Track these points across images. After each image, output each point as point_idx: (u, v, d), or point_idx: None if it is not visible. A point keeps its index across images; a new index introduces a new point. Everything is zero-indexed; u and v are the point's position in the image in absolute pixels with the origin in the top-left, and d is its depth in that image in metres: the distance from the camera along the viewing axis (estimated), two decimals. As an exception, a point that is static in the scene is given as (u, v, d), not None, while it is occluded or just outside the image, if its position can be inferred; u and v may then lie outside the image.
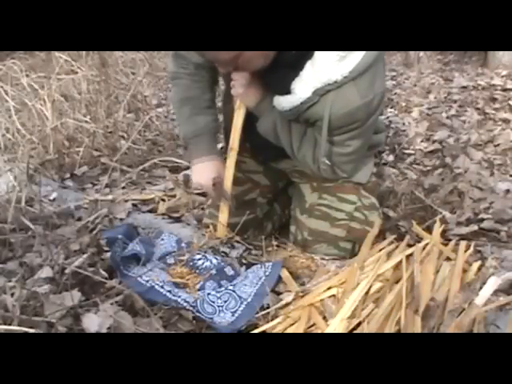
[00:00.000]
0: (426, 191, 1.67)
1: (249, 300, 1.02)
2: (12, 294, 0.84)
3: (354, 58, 0.98)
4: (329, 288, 1.01)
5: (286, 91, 1.06)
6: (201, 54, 1.02)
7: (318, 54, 0.99)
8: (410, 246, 1.11)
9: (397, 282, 0.98)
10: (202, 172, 1.30)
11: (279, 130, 1.18)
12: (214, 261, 1.14)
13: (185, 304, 0.98)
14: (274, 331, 0.93)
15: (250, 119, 1.20)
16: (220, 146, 1.46)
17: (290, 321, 0.95)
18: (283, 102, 1.08)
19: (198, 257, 1.16)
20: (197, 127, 1.29)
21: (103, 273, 1.03)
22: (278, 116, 1.15)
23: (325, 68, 0.98)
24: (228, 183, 1.26)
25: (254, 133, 1.21)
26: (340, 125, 1.06)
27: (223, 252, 1.19)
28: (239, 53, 0.94)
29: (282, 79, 1.05)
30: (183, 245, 1.22)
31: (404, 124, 2.51)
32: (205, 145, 1.31)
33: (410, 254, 1.05)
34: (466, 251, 1.07)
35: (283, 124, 1.16)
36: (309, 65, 1.01)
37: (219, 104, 1.41)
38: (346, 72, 0.98)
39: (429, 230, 1.20)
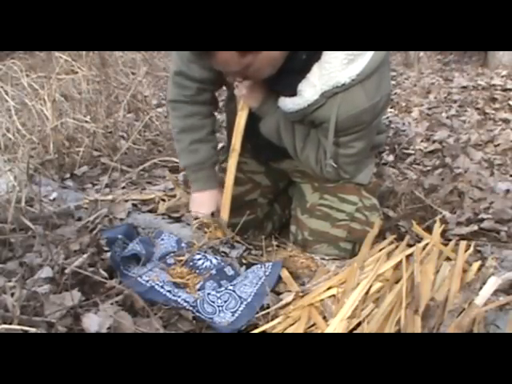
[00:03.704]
0: (426, 191, 1.67)
1: (249, 300, 1.02)
2: (12, 294, 0.84)
3: (362, 61, 0.98)
4: (329, 288, 1.01)
5: (292, 93, 1.06)
6: (209, 64, 1.02)
7: (325, 57, 0.99)
8: (409, 246, 1.11)
9: (397, 282, 0.98)
10: (201, 204, 1.31)
11: (282, 131, 1.18)
12: (214, 261, 1.14)
13: (185, 304, 0.98)
14: (274, 331, 0.93)
15: (252, 120, 1.20)
16: (221, 145, 1.46)
17: (290, 321, 0.95)
18: (289, 104, 1.08)
19: (197, 257, 1.16)
20: (198, 160, 1.30)
21: (103, 273, 1.03)
22: (281, 117, 1.15)
23: (332, 71, 0.98)
24: (229, 184, 1.26)
25: (255, 133, 1.21)
26: (346, 127, 1.06)
27: (223, 252, 1.19)
28: (248, 64, 0.95)
29: (288, 81, 1.05)
30: (183, 245, 1.22)
31: (404, 124, 2.51)
32: (205, 177, 1.32)
33: (410, 254, 1.05)
34: (466, 251, 1.07)
35: (286, 125, 1.16)
36: (316, 68, 1.01)
37: (220, 104, 1.41)
38: (354, 75, 0.98)
39: (429, 229, 1.20)
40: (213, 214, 1.29)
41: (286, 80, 1.05)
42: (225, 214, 1.27)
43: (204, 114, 1.30)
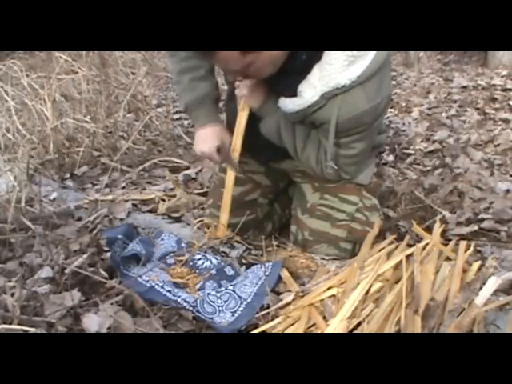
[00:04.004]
0: (426, 191, 1.67)
1: (249, 300, 1.02)
2: (12, 294, 0.84)
3: (363, 63, 0.98)
4: (329, 288, 1.01)
5: (293, 93, 1.06)
6: (210, 62, 1.02)
7: (325, 58, 0.99)
8: (409, 246, 1.11)
9: (397, 282, 0.98)
10: (205, 140, 1.28)
11: (283, 131, 1.18)
12: (214, 261, 1.14)
13: (185, 304, 0.98)
14: (274, 331, 0.93)
15: (253, 120, 1.20)
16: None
17: (290, 321, 0.95)
18: (289, 105, 1.08)
19: (197, 257, 1.16)
20: (198, 95, 1.28)
21: (103, 273, 1.03)
22: (281, 117, 1.15)
23: (333, 72, 0.98)
24: (229, 184, 1.26)
25: (256, 133, 1.21)
26: (347, 128, 1.06)
27: (223, 252, 1.20)
28: (250, 62, 0.95)
29: (288, 82, 1.05)
30: (183, 245, 1.22)
31: (404, 124, 2.51)
32: (206, 112, 1.29)
33: (410, 254, 1.05)
34: (466, 251, 1.07)
35: (287, 125, 1.16)
36: (316, 68, 1.01)
37: (220, 104, 1.41)
38: (354, 77, 0.98)
39: (429, 230, 1.20)
40: (218, 150, 1.26)
41: (287, 80, 1.05)
42: (225, 215, 1.27)
43: None
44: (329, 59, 0.98)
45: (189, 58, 1.28)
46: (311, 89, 1.03)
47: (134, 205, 1.48)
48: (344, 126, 1.05)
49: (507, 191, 1.62)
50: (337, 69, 0.98)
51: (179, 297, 1.00)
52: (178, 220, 1.43)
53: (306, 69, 1.02)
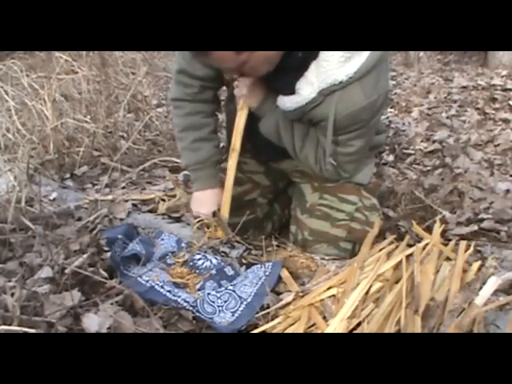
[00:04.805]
0: (426, 191, 1.67)
1: (249, 300, 1.02)
2: (12, 294, 0.84)
3: (359, 59, 0.98)
4: (329, 288, 1.01)
5: (291, 91, 1.06)
6: (207, 62, 1.03)
7: (322, 55, 0.99)
8: (409, 246, 1.11)
9: (397, 282, 0.98)
10: (204, 203, 1.31)
11: (281, 130, 1.18)
12: (214, 261, 1.14)
13: (185, 304, 0.98)
14: (274, 331, 0.93)
15: (252, 119, 1.20)
16: (221, 145, 1.47)
17: (290, 321, 0.95)
18: (287, 103, 1.08)
19: (197, 257, 1.16)
20: (200, 158, 1.30)
21: (103, 273, 1.03)
22: (280, 116, 1.15)
23: (330, 69, 0.99)
24: (229, 184, 1.26)
25: (255, 133, 1.21)
26: (345, 125, 1.06)
27: (223, 252, 1.19)
28: (245, 60, 0.95)
29: (286, 79, 1.06)
30: (183, 245, 1.22)
31: (404, 124, 2.51)
32: (207, 176, 1.32)
33: (410, 254, 1.05)
34: (466, 251, 1.07)
35: (285, 124, 1.17)
36: (313, 65, 1.01)
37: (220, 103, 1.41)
38: (351, 72, 0.98)
39: (429, 229, 1.20)
40: (214, 214, 1.28)
41: (284, 78, 1.05)
42: (225, 214, 1.27)
43: (206, 113, 1.30)
44: (325, 56, 0.98)
45: (193, 114, 1.29)
46: (309, 86, 1.03)
47: (134, 205, 1.48)
48: (342, 123, 1.05)
49: (507, 191, 1.62)
50: (333, 65, 0.98)
51: (179, 297, 1.00)
52: (178, 220, 1.43)
53: (303, 66, 1.02)
